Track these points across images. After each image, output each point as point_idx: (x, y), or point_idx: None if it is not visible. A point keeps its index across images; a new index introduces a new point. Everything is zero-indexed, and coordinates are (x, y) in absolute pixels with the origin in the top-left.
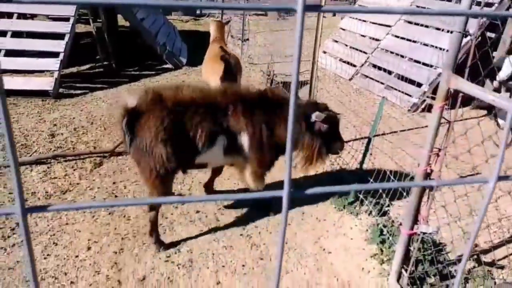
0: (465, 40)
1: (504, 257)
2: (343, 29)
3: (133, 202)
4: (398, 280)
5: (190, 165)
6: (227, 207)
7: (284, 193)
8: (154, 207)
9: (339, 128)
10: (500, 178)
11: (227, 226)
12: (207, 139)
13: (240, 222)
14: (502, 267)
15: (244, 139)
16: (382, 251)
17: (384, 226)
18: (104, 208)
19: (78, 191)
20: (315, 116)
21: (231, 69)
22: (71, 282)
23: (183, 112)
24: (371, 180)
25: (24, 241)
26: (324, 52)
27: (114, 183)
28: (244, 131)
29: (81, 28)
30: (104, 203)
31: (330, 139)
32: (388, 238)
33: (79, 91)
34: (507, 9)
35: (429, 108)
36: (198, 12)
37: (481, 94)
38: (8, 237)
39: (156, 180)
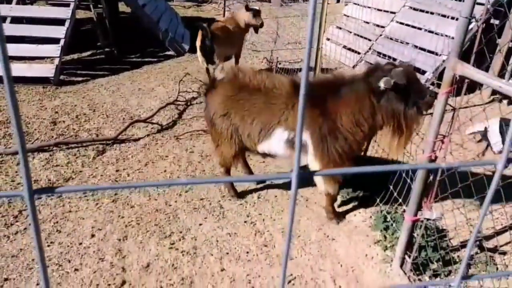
0: (469, 26)
1: (506, 243)
2: (347, 16)
3: (133, 185)
4: (401, 266)
5: (251, 150)
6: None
7: (293, 175)
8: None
9: (417, 78)
10: (510, 161)
11: (231, 213)
12: (262, 129)
13: (244, 209)
14: (504, 253)
15: (305, 136)
16: (385, 237)
17: (388, 213)
18: (109, 191)
19: (81, 179)
20: (383, 84)
21: (206, 40)
22: (75, 269)
23: (246, 99)
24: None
25: (31, 223)
26: (328, 39)
27: (117, 170)
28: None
29: (81, 14)
30: (110, 186)
31: (413, 94)
32: (392, 224)
33: (80, 78)
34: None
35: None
36: None
37: (487, 80)
38: (11, 224)
39: (218, 150)
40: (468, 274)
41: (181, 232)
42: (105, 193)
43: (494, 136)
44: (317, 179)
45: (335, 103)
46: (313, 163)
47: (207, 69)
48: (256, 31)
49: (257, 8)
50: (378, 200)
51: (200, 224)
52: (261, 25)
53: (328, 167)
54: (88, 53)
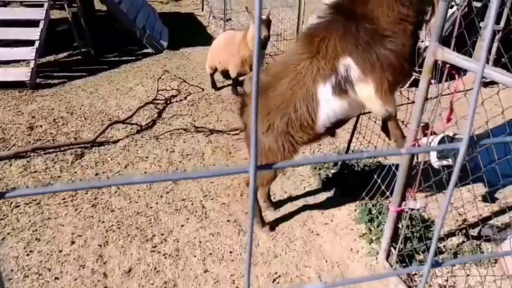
0: (451, 11)
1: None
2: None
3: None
4: (387, 259)
5: (312, 141)
6: (213, 193)
7: (250, 169)
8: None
9: None
10: (471, 144)
11: (213, 213)
12: (308, 104)
13: (226, 208)
14: (489, 240)
15: (344, 64)
16: (370, 230)
17: (373, 205)
18: (88, 196)
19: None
20: None
21: None
22: (55, 278)
23: (275, 95)
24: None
25: None
26: None
27: (96, 174)
28: (337, 62)
29: (56, 14)
30: (61, 188)
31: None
32: (377, 217)
33: (57, 81)
34: None
35: (417, 83)
36: None
37: (467, 64)
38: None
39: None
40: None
41: (162, 235)
42: (84, 198)
43: (433, 154)
44: (374, 106)
45: (366, 5)
46: (366, 87)
47: (212, 75)
48: (262, 46)
49: (263, 16)
50: (364, 193)
51: (182, 226)
52: (265, 38)
53: (383, 80)
54: (65, 54)
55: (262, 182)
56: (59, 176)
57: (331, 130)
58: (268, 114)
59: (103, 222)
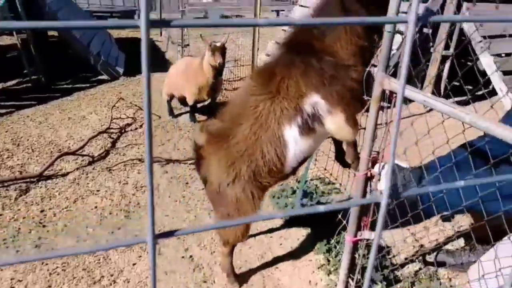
0: (399, 38)
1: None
2: (285, 31)
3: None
4: None
5: (279, 182)
6: (168, 227)
7: (148, 238)
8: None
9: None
10: (392, 195)
11: (167, 249)
12: (276, 147)
13: (180, 243)
14: (445, 267)
15: (311, 102)
16: (329, 261)
17: (331, 235)
18: (32, 236)
19: (1, 224)
20: None
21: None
22: None
23: (236, 141)
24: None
25: None
26: (268, 55)
27: (42, 211)
28: (301, 101)
29: (6, 40)
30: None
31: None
32: (335, 246)
33: (4, 110)
34: (442, 4)
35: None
36: (136, 17)
37: (413, 95)
38: None
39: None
40: None
41: (112, 275)
42: (27, 238)
43: (382, 184)
44: (344, 134)
45: (322, 41)
46: (336, 118)
47: (169, 102)
48: (218, 73)
49: (216, 43)
50: (323, 223)
51: (134, 264)
52: (219, 65)
53: (351, 108)
54: (13, 82)
55: (226, 240)
56: (0, 215)
57: (295, 169)
58: (232, 164)
59: (46, 264)
